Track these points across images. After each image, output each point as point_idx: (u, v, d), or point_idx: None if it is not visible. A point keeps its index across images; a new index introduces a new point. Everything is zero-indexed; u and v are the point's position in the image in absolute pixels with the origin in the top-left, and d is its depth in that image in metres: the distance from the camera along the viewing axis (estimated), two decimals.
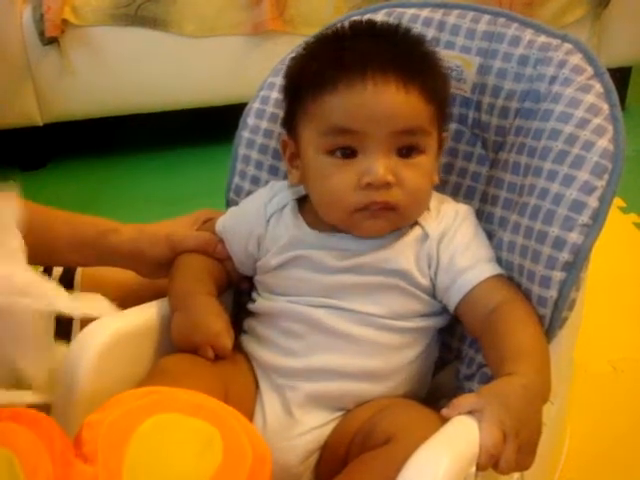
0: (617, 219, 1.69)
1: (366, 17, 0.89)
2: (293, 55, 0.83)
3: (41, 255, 0.86)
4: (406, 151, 0.75)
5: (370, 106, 0.73)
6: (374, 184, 0.73)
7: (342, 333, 0.76)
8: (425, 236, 0.78)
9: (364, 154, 0.74)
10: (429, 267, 0.77)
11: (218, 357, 0.76)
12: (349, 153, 0.74)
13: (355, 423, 0.71)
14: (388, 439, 0.64)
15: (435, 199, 0.81)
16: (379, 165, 0.73)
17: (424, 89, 0.75)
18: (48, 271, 0.96)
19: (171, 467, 0.57)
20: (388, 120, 0.73)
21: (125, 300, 0.79)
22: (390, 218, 0.75)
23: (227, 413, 0.62)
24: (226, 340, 0.76)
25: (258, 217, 0.83)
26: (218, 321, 0.77)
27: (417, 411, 0.70)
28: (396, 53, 0.75)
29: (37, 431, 0.56)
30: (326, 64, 0.75)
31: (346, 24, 0.81)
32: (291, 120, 0.80)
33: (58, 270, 0.97)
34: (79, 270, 0.99)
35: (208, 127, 2.25)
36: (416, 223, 0.79)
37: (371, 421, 0.69)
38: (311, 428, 0.74)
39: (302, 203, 0.83)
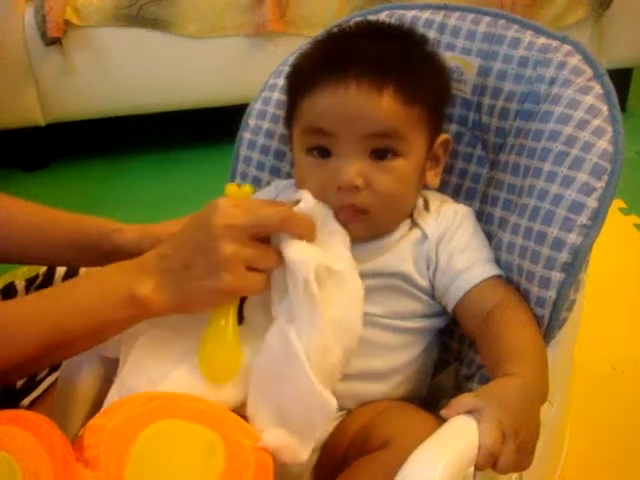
0: (618, 220, 1.69)
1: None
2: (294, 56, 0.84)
3: (44, 255, 0.87)
4: (382, 154, 0.74)
5: (340, 108, 0.73)
6: (342, 187, 0.73)
7: None
8: (424, 237, 0.78)
9: (337, 155, 0.74)
10: (428, 268, 0.77)
11: None
12: (325, 153, 0.75)
13: (354, 425, 0.71)
14: (386, 443, 0.64)
15: (436, 200, 0.81)
16: (349, 168, 0.73)
17: (402, 90, 0.73)
18: (51, 271, 0.97)
19: (173, 474, 0.58)
20: (357, 123, 0.73)
21: None
22: (364, 222, 0.75)
23: (230, 419, 0.62)
24: None
25: None
26: None
27: (415, 415, 0.70)
28: (378, 53, 0.74)
29: (38, 435, 0.56)
30: (312, 66, 0.77)
31: (345, 24, 0.82)
32: (288, 120, 0.82)
33: (61, 270, 0.97)
34: (82, 270, 0.99)
35: (210, 128, 2.25)
36: (415, 224, 0.79)
37: (369, 424, 0.69)
38: None
39: None
